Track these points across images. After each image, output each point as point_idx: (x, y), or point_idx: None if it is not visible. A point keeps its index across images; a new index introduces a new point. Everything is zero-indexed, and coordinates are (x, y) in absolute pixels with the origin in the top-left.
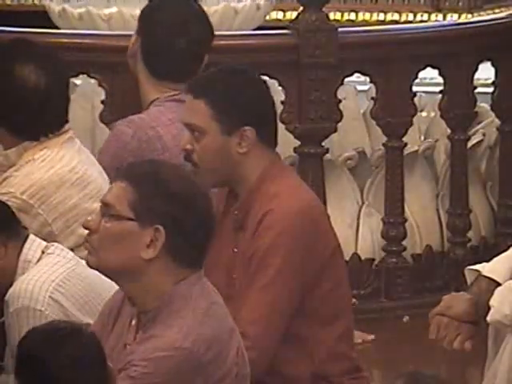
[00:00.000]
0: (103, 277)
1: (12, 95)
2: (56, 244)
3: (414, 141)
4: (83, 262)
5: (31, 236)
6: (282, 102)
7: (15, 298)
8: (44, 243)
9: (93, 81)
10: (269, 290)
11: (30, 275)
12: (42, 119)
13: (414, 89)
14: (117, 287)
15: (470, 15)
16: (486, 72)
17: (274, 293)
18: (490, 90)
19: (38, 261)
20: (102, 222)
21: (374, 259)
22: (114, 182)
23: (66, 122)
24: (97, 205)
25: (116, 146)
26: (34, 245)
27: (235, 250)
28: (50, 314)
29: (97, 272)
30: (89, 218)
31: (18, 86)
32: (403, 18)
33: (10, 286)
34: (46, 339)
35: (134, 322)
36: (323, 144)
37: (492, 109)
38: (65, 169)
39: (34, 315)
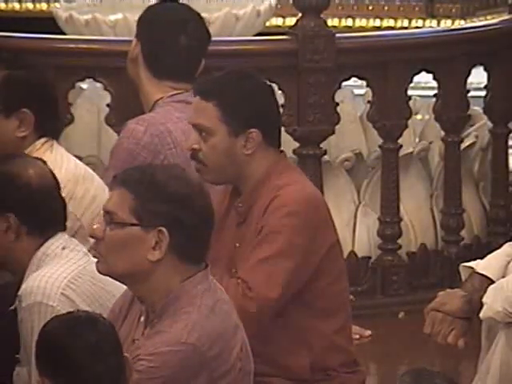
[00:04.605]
0: None
1: None
2: (72, 239)
3: (409, 143)
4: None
5: (60, 234)
6: (282, 105)
7: (28, 293)
8: (68, 241)
9: (99, 85)
10: (268, 262)
11: (43, 272)
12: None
13: (409, 92)
14: None
15: (463, 21)
16: (478, 76)
17: (273, 265)
18: (483, 93)
19: (55, 256)
20: (107, 230)
21: (370, 257)
22: (112, 190)
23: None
24: (105, 196)
25: (129, 143)
26: (58, 241)
27: (237, 245)
28: (61, 309)
29: None
30: (94, 227)
31: None
32: (399, 24)
33: (22, 279)
34: (65, 327)
35: (142, 319)
36: (321, 146)
37: (484, 112)
38: (71, 166)
39: (46, 310)
